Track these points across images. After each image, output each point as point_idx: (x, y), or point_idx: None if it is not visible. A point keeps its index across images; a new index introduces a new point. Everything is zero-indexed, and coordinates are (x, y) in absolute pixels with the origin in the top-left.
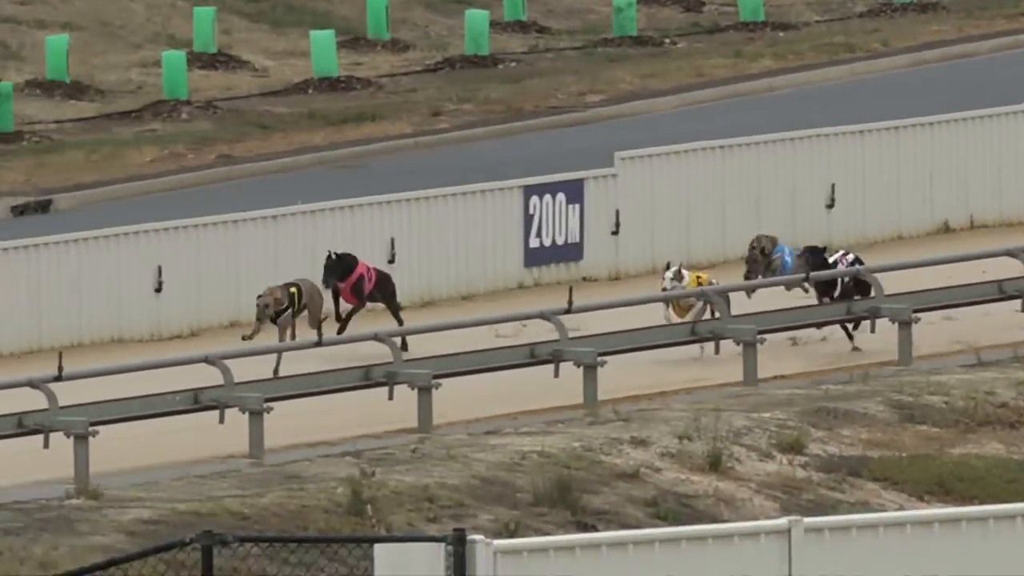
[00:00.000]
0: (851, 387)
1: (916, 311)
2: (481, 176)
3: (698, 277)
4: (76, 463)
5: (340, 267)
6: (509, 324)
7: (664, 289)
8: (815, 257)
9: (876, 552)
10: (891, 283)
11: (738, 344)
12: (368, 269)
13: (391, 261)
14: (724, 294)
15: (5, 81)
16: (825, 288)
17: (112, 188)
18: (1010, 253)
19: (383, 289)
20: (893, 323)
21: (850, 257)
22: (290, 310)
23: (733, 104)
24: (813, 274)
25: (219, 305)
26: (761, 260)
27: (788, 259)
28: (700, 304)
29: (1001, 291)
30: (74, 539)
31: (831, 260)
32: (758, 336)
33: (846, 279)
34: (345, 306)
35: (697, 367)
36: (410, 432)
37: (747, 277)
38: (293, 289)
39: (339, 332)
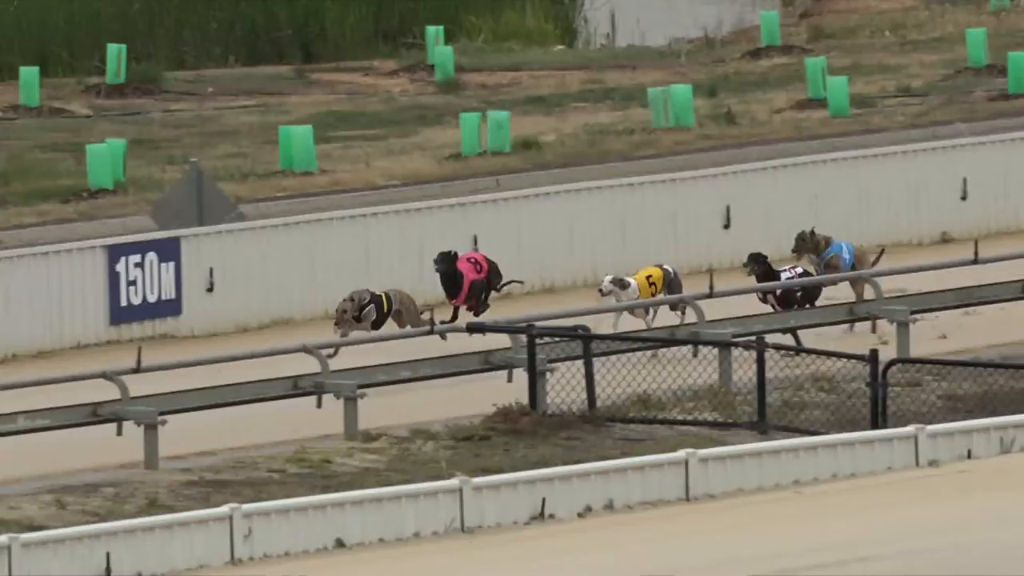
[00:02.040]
0: None
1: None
2: None
3: (648, 277)
4: None
5: (451, 285)
6: None
7: (601, 291)
8: (760, 265)
9: None
10: None
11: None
12: (476, 264)
13: None
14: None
15: None
16: (780, 298)
17: None
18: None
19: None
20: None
21: (799, 269)
22: (372, 307)
23: None
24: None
25: None
26: (809, 240)
27: (847, 256)
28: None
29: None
30: None
31: (779, 271)
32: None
33: (796, 290)
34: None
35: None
36: None
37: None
38: (382, 294)
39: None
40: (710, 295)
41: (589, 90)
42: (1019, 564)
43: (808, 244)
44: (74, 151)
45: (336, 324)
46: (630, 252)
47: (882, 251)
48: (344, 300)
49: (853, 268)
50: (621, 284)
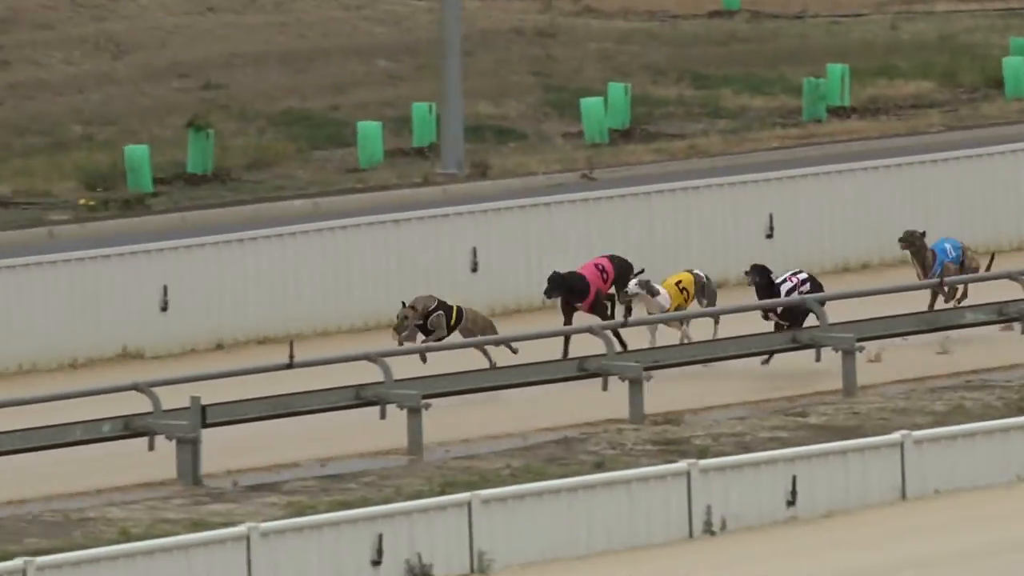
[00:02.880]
0: None
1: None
2: None
3: (678, 283)
4: None
5: (566, 287)
6: None
7: (626, 293)
8: (762, 276)
9: None
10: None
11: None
12: (602, 270)
13: None
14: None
15: None
16: (779, 311)
17: None
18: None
19: (618, 280)
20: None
21: (802, 275)
22: (441, 314)
23: None
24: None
25: None
26: (918, 241)
27: (953, 254)
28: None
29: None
30: None
31: (779, 280)
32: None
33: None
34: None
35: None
36: None
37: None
38: (454, 305)
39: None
40: None
41: None
42: None
43: (916, 244)
44: None
45: (395, 330)
46: None
47: (992, 257)
48: (406, 307)
49: (962, 265)
50: (649, 289)
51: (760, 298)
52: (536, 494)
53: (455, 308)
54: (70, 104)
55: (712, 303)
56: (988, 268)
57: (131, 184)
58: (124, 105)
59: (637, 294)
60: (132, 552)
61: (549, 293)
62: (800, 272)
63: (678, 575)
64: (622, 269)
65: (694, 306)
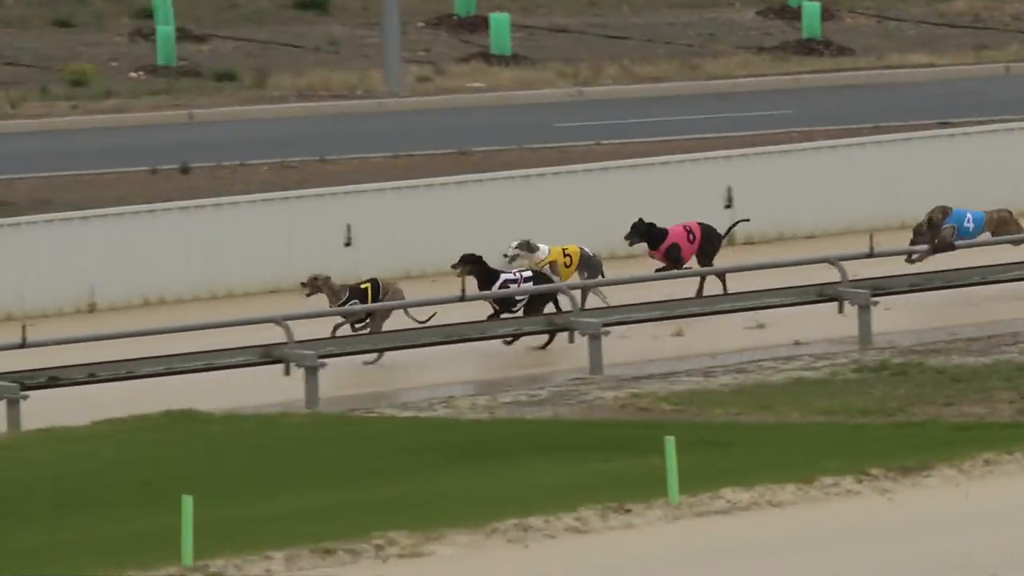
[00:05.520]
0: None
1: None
2: None
3: (564, 250)
4: None
5: (647, 234)
6: None
7: (506, 257)
8: (477, 266)
9: None
10: None
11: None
12: (687, 230)
13: None
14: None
15: None
16: (503, 302)
17: None
18: None
19: (705, 247)
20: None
21: (527, 273)
22: (356, 301)
23: None
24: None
25: None
26: (927, 232)
27: (969, 225)
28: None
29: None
30: None
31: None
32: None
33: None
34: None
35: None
36: None
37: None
38: (366, 286)
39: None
40: None
41: None
42: None
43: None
44: None
45: (307, 295)
46: None
47: None
48: (312, 277)
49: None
50: (528, 247)
51: (480, 289)
52: None
53: (368, 287)
54: None
55: (592, 277)
56: None
57: None
58: None
59: (516, 255)
60: None
61: (630, 237)
62: (525, 271)
63: None
64: (710, 237)
65: (575, 277)
